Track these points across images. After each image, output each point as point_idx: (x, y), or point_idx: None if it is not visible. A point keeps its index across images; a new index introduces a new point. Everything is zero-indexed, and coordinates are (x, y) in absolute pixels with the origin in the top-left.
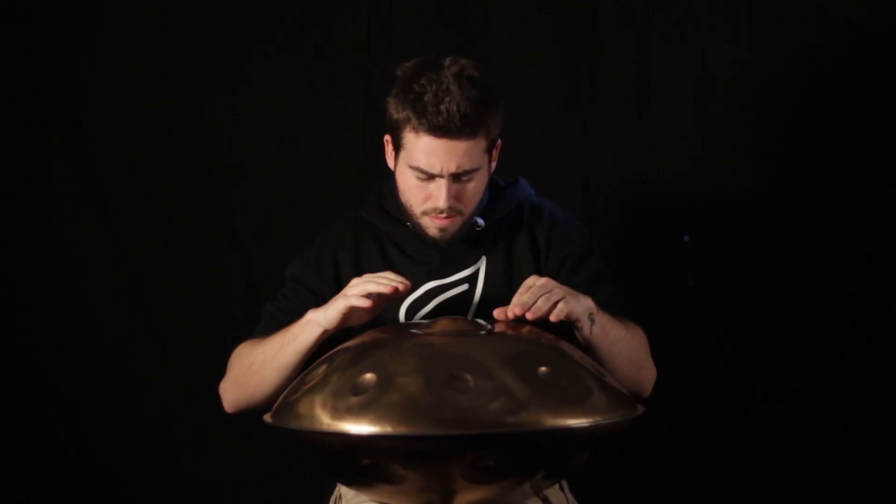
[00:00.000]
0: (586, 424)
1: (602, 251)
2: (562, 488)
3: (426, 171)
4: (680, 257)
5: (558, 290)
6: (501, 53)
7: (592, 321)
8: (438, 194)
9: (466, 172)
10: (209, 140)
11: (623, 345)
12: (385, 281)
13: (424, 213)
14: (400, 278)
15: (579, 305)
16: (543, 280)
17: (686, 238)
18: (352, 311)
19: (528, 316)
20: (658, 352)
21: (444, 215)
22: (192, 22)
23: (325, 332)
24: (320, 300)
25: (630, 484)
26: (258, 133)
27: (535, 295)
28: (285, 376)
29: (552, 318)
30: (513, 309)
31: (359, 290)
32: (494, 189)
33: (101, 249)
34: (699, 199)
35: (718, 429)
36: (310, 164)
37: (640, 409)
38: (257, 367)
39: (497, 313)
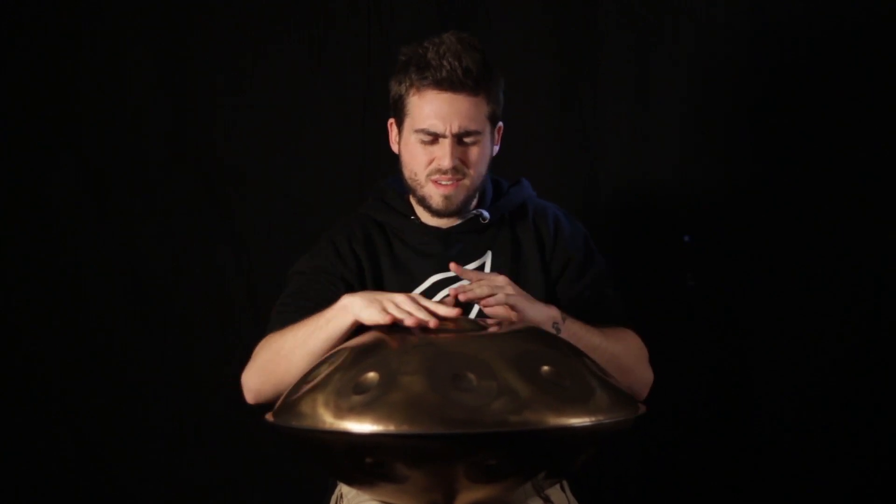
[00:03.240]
0: (589, 424)
1: (601, 252)
2: (563, 488)
3: (431, 130)
4: (680, 257)
5: (511, 290)
6: (501, 53)
7: (557, 330)
8: (443, 154)
9: (469, 133)
10: (209, 140)
11: (599, 353)
12: (437, 312)
13: (429, 177)
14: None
15: (538, 314)
16: (501, 279)
17: (686, 238)
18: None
19: (462, 298)
20: (658, 352)
21: (449, 177)
22: (193, 22)
23: (356, 323)
24: (348, 286)
25: (630, 484)
26: (258, 133)
27: (481, 286)
28: (314, 362)
29: (486, 309)
30: (455, 291)
31: (410, 309)
32: (498, 188)
33: (102, 249)
34: (699, 199)
35: (718, 428)
36: (310, 164)
37: (643, 408)
38: (286, 352)
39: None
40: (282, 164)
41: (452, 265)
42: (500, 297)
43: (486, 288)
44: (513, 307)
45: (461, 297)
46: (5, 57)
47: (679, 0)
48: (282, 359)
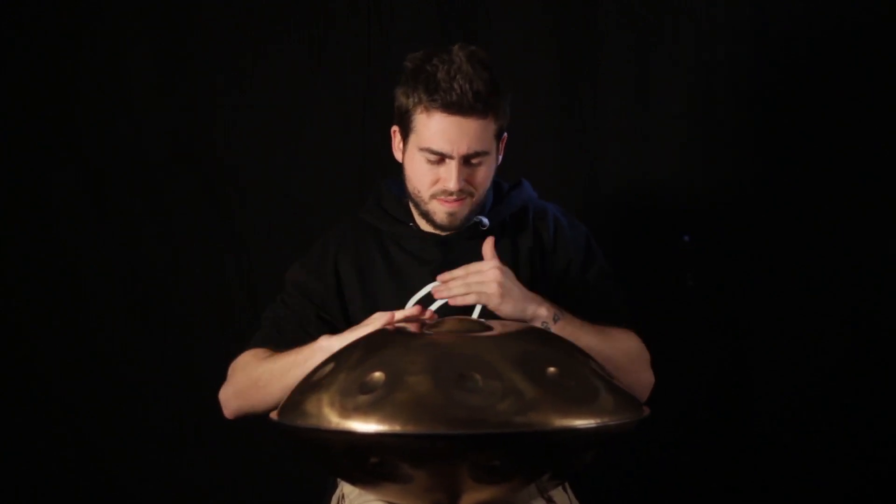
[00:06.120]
0: (593, 425)
1: (603, 252)
2: (565, 489)
3: (437, 151)
4: (680, 257)
5: (494, 288)
6: (501, 53)
7: (546, 328)
8: (449, 176)
9: (477, 154)
10: (209, 140)
11: (595, 353)
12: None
13: (433, 197)
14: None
15: (527, 310)
16: (490, 272)
17: (686, 238)
18: None
19: (436, 295)
20: (658, 352)
21: (454, 198)
22: (193, 21)
23: None
24: (321, 310)
25: (631, 484)
26: (258, 133)
27: (460, 281)
28: None
29: (457, 301)
30: (440, 285)
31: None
32: (498, 191)
33: (102, 249)
34: (699, 199)
35: (718, 429)
36: (310, 165)
37: (647, 410)
38: (263, 383)
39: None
40: (282, 164)
41: (440, 277)
42: (470, 298)
43: (461, 286)
44: (485, 305)
45: (436, 295)
46: (5, 57)
47: (679, 0)
48: (259, 389)
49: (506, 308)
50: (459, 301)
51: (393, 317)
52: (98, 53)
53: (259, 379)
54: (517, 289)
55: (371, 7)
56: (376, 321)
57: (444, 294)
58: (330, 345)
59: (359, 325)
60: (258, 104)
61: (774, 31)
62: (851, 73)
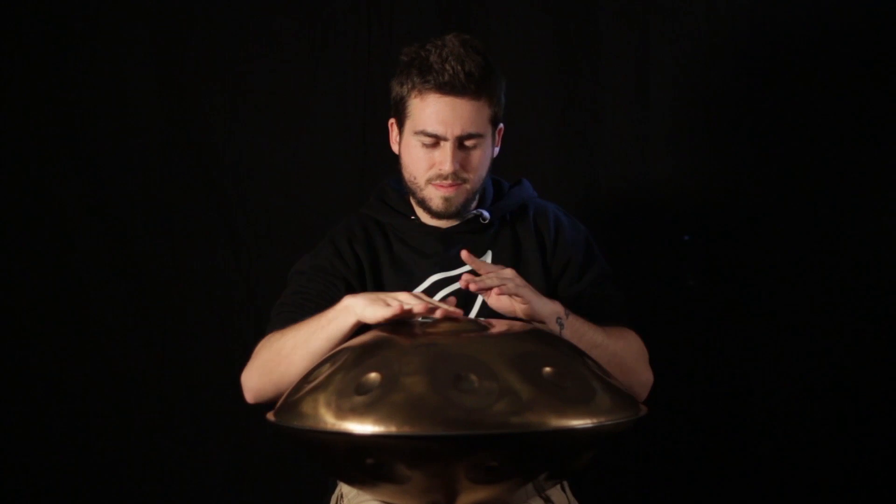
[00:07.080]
0: (590, 425)
1: (601, 252)
2: (563, 488)
3: (432, 133)
4: (680, 257)
5: (519, 282)
6: (501, 53)
7: (561, 325)
8: (444, 158)
9: (471, 137)
10: (209, 140)
11: (601, 350)
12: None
13: (429, 181)
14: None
15: (544, 307)
16: (509, 272)
17: (686, 237)
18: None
19: (472, 287)
20: (658, 352)
21: (449, 182)
22: (193, 21)
23: (358, 323)
24: (348, 286)
25: (630, 484)
26: (258, 133)
27: (490, 277)
28: (315, 363)
29: (495, 292)
30: (466, 281)
31: (419, 304)
32: (499, 188)
33: (101, 250)
34: (699, 199)
35: (718, 428)
36: (310, 165)
37: (644, 410)
38: (287, 352)
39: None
40: (282, 164)
41: (464, 254)
42: (509, 286)
43: (495, 279)
44: (520, 298)
45: (471, 287)
46: (5, 57)
47: (679, 0)
48: (282, 359)
49: (536, 303)
50: (494, 297)
51: (426, 306)
52: (98, 53)
53: (282, 349)
54: (531, 286)
55: (371, 7)
56: (408, 297)
57: (480, 286)
58: (355, 303)
59: (389, 293)
60: (258, 104)
61: (774, 31)
62: (851, 73)
